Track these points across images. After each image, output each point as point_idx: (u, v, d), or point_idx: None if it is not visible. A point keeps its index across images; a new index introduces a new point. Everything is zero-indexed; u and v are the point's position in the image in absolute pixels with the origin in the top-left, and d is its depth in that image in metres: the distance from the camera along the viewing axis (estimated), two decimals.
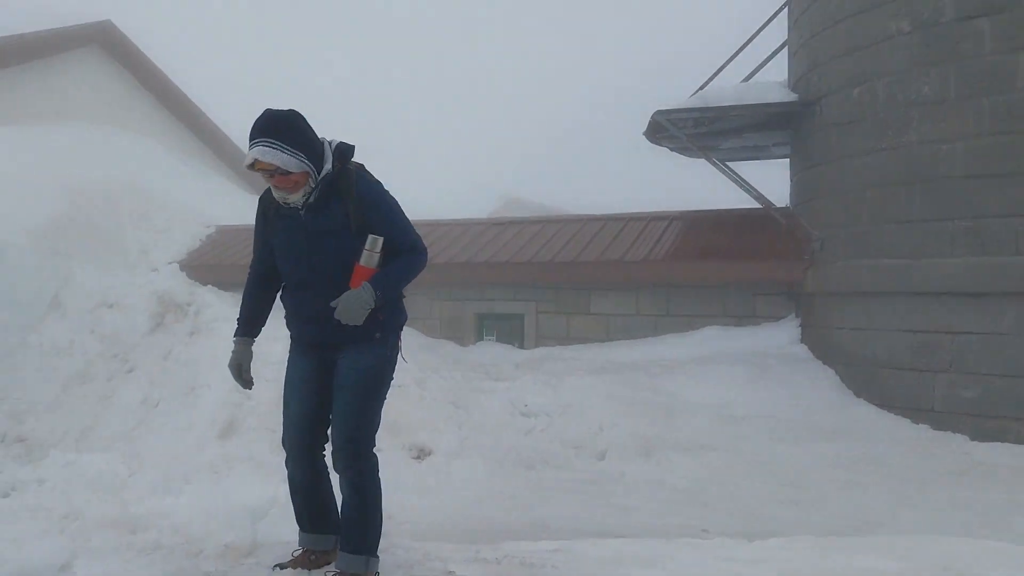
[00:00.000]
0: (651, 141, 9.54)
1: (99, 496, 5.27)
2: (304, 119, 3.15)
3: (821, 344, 7.85)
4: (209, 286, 9.32)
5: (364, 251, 3.13)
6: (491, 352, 9.03)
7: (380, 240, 3.15)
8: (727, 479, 5.91)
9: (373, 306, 3.10)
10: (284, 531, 3.81)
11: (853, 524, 4.95)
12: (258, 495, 4.52)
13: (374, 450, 3.26)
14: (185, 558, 3.62)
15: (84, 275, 9.09)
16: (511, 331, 9.51)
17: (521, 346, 9.36)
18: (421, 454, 6.51)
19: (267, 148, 3.00)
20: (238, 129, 16.23)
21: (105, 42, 14.75)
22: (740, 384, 7.34)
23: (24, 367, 7.91)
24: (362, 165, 3.31)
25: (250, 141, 3.04)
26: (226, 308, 8.42)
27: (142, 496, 5.32)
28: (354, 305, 3.07)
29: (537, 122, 44.19)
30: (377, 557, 3.23)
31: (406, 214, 3.31)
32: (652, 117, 8.65)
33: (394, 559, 3.50)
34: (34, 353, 8.07)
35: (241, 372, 3.34)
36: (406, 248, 3.23)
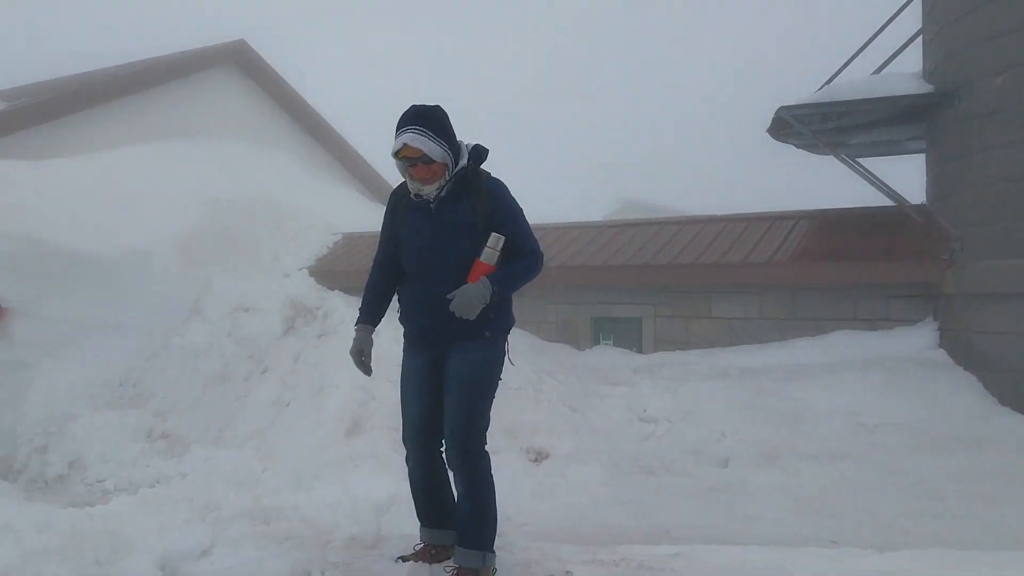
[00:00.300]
0: (775, 138, 9.24)
1: (235, 489, 5.56)
2: (447, 115, 3.27)
3: (962, 349, 7.38)
4: (336, 291, 9.66)
5: (486, 248, 3.21)
6: (608, 356, 8.94)
7: (502, 239, 3.22)
8: (858, 489, 5.64)
9: (488, 301, 3.16)
10: (406, 526, 3.94)
11: (995, 540, 4.62)
12: (381, 491, 4.69)
13: (486, 448, 3.31)
14: (314, 548, 3.78)
15: (222, 281, 9.62)
16: (628, 335, 9.40)
17: (639, 350, 9.22)
18: (539, 457, 6.53)
19: (417, 135, 3.14)
20: (364, 140, 16.85)
21: (240, 61, 15.57)
22: (873, 391, 6.99)
23: (168, 368, 8.44)
24: (488, 172, 3.39)
25: (398, 129, 3.19)
26: (352, 312, 8.64)
27: (274, 490, 5.60)
28: (471, 297, 3.14)
29: (655, 121, 43.49)
30: (494, 553, 3.27)
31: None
32: (776, 113, 8.38)
33: (512, 557, 3.54)
34: (177, 355, 8.60)
35: (362, 358, 3.46)
36: (526, 252, 3.29)
